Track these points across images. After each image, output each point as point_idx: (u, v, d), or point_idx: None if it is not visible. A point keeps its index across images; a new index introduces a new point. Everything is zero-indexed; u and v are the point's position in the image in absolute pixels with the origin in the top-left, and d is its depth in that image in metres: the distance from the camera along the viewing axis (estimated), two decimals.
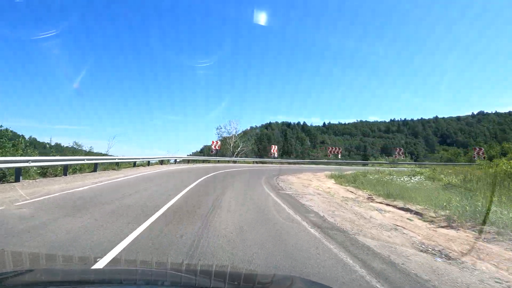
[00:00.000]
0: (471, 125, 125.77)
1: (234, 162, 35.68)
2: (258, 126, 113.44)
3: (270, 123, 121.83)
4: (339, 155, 40.28)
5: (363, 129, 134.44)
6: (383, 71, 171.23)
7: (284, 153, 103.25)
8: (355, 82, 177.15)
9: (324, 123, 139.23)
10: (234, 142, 40.92)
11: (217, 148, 34.56)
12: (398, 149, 40.04)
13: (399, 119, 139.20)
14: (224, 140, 41.72)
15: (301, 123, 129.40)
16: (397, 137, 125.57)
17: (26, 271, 1.88)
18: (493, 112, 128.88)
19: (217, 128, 42.76)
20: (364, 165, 40.20)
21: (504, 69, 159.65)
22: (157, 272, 2.17)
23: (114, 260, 3.44)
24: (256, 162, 38.05)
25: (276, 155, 39.67)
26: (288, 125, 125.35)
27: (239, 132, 42.96)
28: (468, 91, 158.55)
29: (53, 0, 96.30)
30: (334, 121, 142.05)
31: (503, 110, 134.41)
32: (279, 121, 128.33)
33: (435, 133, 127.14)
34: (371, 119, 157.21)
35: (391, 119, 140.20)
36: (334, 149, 41.16)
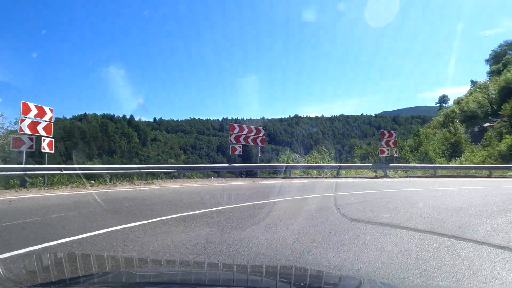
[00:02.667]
0: (292, 126, 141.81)
1: None
2: (68, 117, 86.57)
3: (85, 114, 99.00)
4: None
5: (198, 126, 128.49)
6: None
7: (105, 152, 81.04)
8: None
9: (155, 118, 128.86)
10: None
11: None
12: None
13: (231, 118, 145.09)
14: None
15: (128, 116, 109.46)
16: None
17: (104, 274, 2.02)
18: (305, 116, 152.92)
19: None
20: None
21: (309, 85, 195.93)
22: (224, 273, 2.24)
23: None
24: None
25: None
26: (111, 118, 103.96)
27: None
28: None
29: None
30: (166, 117, 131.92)
31: (311, 115, 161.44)
32: (98, 113, 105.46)
33: None
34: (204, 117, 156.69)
35: (223, 118, 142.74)
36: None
